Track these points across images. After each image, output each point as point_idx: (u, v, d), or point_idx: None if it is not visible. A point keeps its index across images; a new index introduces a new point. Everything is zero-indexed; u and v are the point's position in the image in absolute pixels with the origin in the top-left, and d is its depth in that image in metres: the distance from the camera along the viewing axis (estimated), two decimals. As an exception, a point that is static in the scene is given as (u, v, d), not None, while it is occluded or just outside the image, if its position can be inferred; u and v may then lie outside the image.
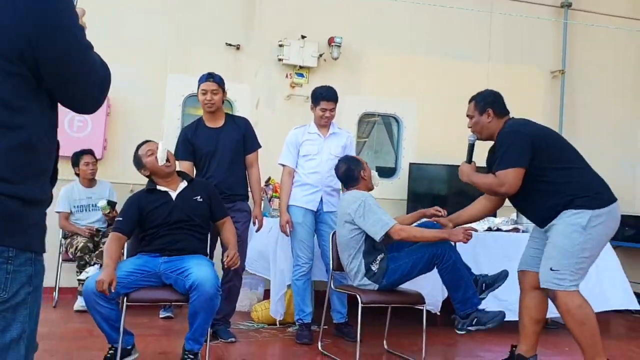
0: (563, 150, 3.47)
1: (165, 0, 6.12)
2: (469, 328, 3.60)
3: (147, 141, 3.74)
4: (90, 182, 5.40)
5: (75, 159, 5.33)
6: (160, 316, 5.02)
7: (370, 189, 4.11)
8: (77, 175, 5.37)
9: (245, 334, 4.55)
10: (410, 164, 6.52)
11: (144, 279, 3.45)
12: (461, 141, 6.40)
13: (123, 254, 3.72)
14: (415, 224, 4.05)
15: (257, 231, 4.49)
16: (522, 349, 3.66)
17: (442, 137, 6.63)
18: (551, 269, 3.27)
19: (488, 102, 3.63)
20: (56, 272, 5.29)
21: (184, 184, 3.76)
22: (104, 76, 1.46)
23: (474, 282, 3.71)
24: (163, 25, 6.08)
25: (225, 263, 3.65)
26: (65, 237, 5.32)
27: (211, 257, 3.87)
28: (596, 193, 3.33)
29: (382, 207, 3.84)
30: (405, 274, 3.75)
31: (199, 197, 3.72)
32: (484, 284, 3.75)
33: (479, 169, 3.73)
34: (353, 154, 4.70)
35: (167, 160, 3.68)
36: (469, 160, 3.73)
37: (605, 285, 5.16)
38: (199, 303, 3.27)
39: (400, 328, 4.44)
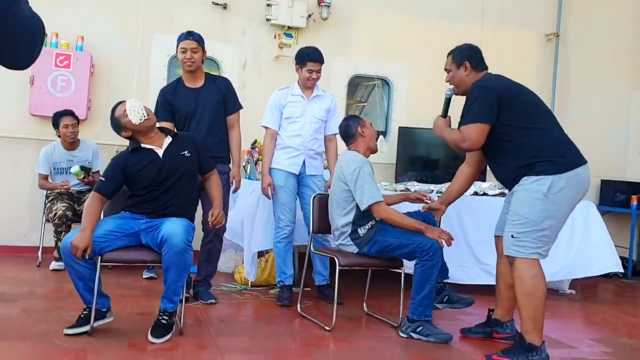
0: (531, 110, 3.32)
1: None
2: (411, 334, 3.62)
3: (120, 102, 3.64)
4: (71, 145, 5.29)
5: (55, 121, 5.22)
6: (144, 277, 5.02)
7: (372, 149, 4.02)
8: (59, 137, 5.29)
9: (227, 295, 4.55)
10: (400, 127, 6.45)
11: (123, 238, 3.40)
12: (452, 104, 6.36)
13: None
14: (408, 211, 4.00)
15: (234, 192, 4.45)
16: (498, 313, 3.66)
17: (433, 101, 6.48)
18: (512, 236, 3.20)
19: (465, 55, 3.53)
20: (40, 233, 5.29)
21: (168, 140, 3.60)
22: (34, 31, 1.35)
23: (439, 289, 3.73)
24: (148, -18, 5.94)
25: (210, 222, 3.61)
26: (47, 197, 5.27)
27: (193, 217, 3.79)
28: (560, 156, 3.19)
29: (375, 181, 3.82)
30: (387, 250, 3.71)
31: (186, 151, 3.60)
32: (446, 297, 3.77)
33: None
34: (337, 117, 4.63)
35: (147, 115, 3.53)
36: (444, 114, 3.63)
37: (592, 250, 5.14)
38: (168, 258, 3.23)
39: (384, 291, 4.42)
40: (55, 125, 5.22)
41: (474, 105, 3.31)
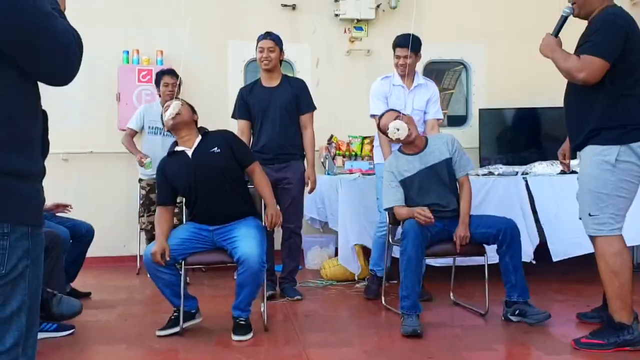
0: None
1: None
2: (510, 317, 3.60)
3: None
4: None
5: (157, 79, 5.27)
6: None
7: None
8: (159, 95, 5.30)
9: (313, 291, 4.62)
10: (480, 110, 6.27)
11: (199, 244, 3.53)
12: (534, 80, 6.12)
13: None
14: None
15: (310, 192, 4.50)
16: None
17: (512, 79, 6.31)
18: (589, 215, 3.04)
19: None
20: (137, 241, 5.57)
21: (199, 139, 3.56)
22: (68, 45, 1.37)
23: (514, 302, 3.66)
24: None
25: (267, 227, 3.63)
26: (143, 204, 5.43)
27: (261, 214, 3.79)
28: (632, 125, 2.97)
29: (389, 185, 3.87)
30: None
31: (215, 148, 3.52)
32: (520, 310, 3.62)
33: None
34: (438, 107, 4.48)
35: (179, 112, 3.52)
36: (556, 34, 3.23)
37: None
38: (244, 278, 3.34)
39: (466, 287, 4.37)
40: (157, 83, 5.27)
41: (601, 38, 2.99)
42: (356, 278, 4.82)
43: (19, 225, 1.36)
